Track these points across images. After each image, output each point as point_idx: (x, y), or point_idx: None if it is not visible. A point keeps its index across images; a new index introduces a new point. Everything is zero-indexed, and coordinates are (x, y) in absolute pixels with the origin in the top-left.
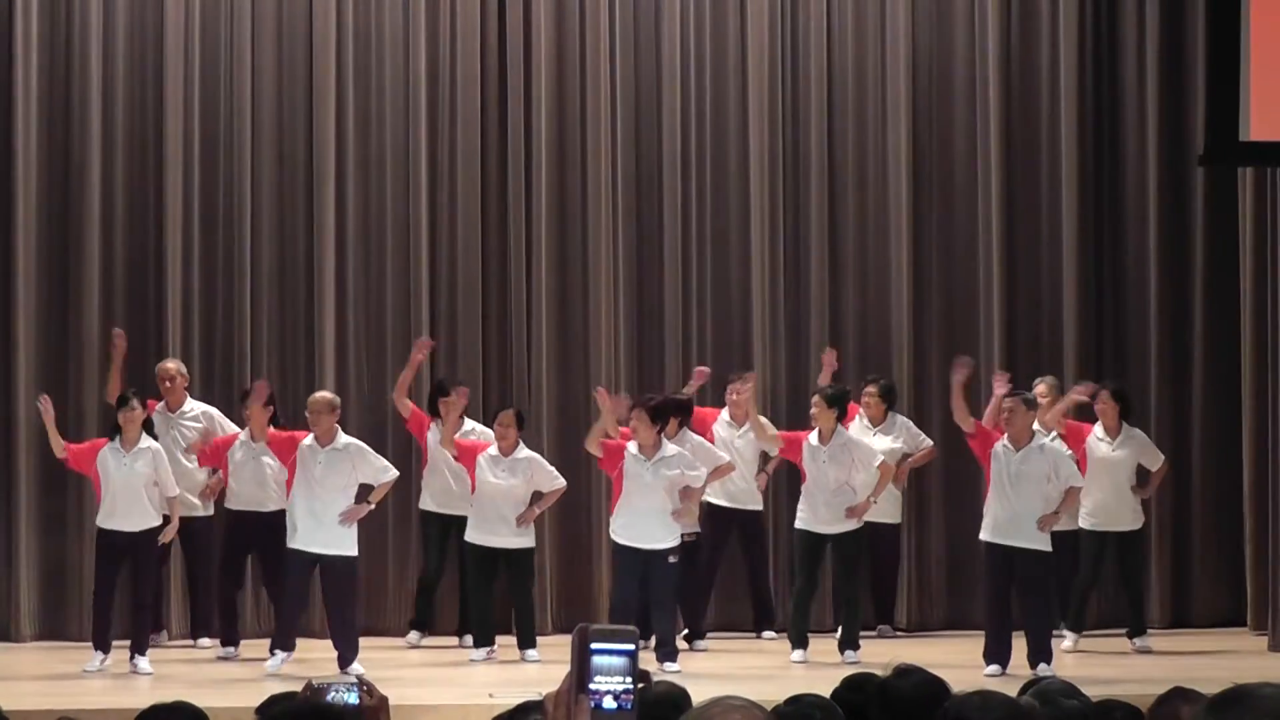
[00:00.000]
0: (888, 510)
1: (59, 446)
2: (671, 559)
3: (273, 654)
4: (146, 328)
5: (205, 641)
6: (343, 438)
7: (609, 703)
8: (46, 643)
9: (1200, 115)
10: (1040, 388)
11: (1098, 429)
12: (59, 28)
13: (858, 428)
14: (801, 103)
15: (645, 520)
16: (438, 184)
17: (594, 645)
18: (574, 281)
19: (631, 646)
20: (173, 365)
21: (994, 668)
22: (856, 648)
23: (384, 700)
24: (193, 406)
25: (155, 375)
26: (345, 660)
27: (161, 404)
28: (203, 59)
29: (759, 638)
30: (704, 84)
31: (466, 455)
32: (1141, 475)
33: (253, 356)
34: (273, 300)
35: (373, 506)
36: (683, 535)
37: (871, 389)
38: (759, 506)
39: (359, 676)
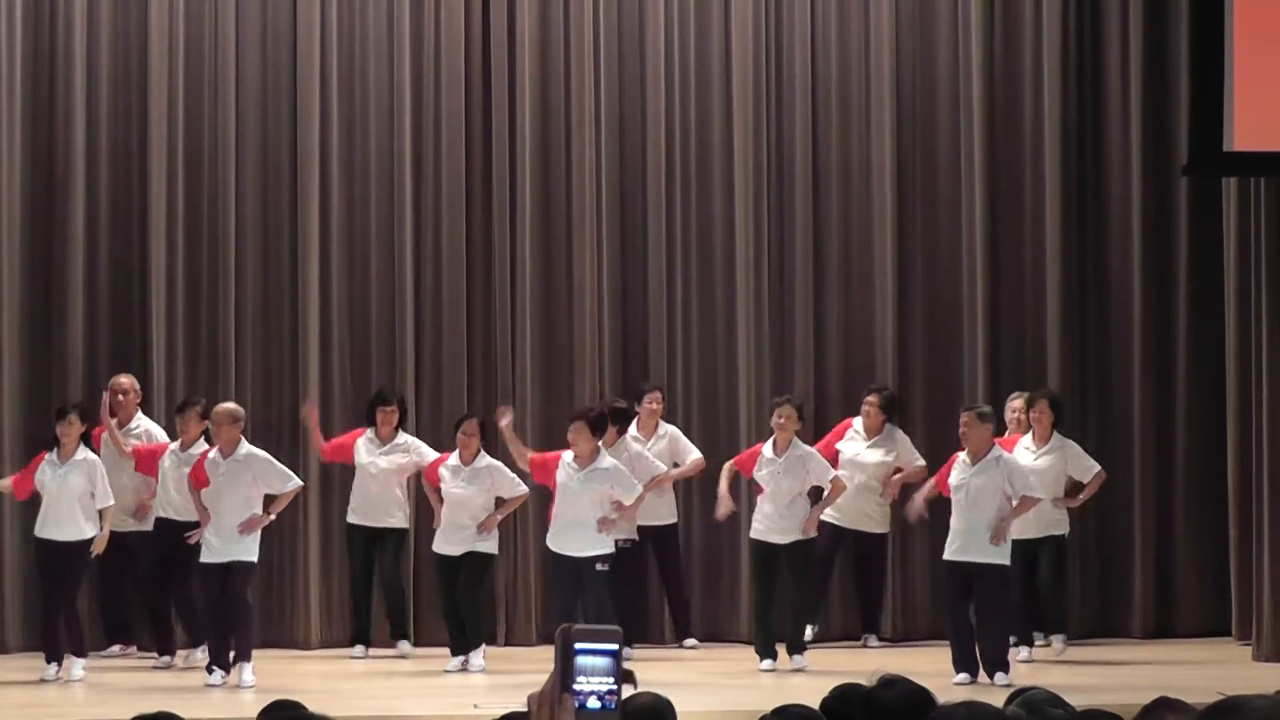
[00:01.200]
0: (876, 520)
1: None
2: (600, 566)
3: (209, 671)
4: (130, 336)
5: (115, 648)
6: (244, 448)
7: (593, 703)
8: (32, 654)
9: (1184, 125)
10: (1016, 403)
11: (1025, 439)
12: (42, 36)
13: (852, 437)
14: (785, 111)
15: (573, 529)
16: (422, 191)
17: (578, 645)
18: (558, 289)
19: (615, 647)
20: (125, 380)
21: (963, 675)
22: (802, 652)
23: None
24: (139, 423)
25: (110, 388)
26: (240, 656)
27: (114, 419)
28: (187, 66)
29: (681, 647)
30: (688, 91)
31: (433, 476)
32: (1077, 485)
33: (236, 364)
34: (256, 308)
35: (272, 517)
36: (618, 542)
37: (872, 398)
38: (672, 520)
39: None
